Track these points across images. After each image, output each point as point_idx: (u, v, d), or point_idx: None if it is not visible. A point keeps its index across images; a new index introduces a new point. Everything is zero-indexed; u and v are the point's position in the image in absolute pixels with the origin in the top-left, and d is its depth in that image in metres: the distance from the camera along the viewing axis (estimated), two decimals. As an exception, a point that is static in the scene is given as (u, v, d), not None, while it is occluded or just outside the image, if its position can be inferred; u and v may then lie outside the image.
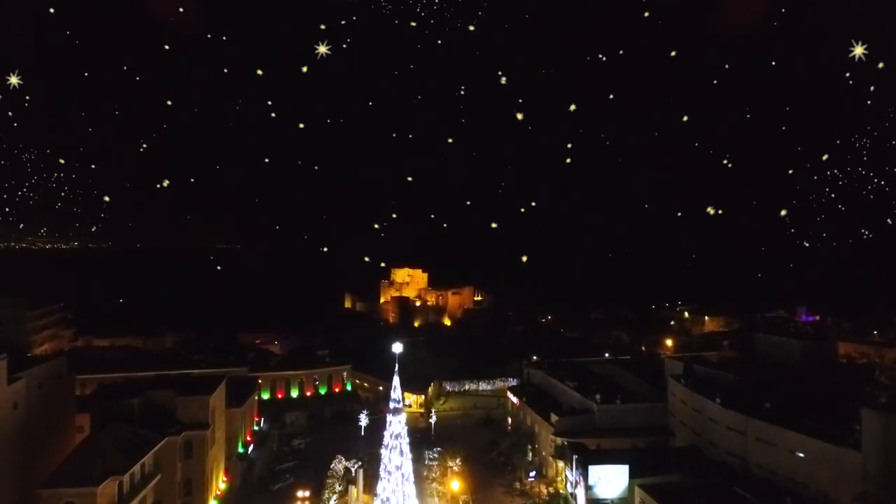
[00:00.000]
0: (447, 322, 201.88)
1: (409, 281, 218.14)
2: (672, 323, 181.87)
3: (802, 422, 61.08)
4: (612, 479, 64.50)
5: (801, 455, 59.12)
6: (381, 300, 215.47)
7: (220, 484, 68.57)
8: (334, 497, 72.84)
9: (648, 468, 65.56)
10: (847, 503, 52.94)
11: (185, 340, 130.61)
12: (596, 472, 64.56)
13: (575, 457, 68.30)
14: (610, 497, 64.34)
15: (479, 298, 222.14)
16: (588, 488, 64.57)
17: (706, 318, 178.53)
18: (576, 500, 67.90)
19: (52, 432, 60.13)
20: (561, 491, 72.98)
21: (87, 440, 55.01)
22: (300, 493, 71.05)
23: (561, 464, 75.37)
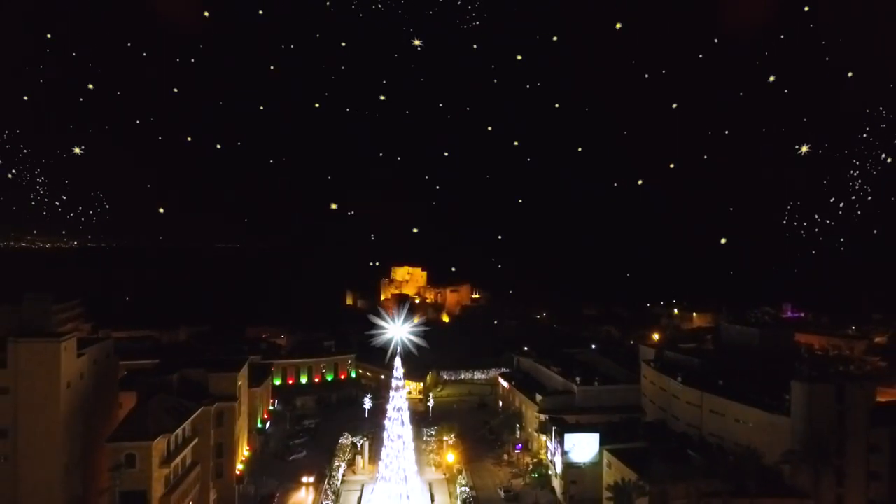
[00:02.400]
0: (445, 319, 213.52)
1: (409, 279, 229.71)
2: (662, 320, 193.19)
3: (748, 395, 72.87)
4: (584, 445, 76.34)
5: (744, 422, 70.94)
6: (382, 297, 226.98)
7: (244, 451, 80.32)
8: (343, 464, 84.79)
9: (619, 438, 77.31)
10: (777, 459, 64.59)
11: (198, 333, 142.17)
12: (571, 439, 76.39)
13: (554, 428, 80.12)
14: (583, 461, 76.16)
15: (477, 296, 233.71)
16: (564, 454, 76.40)
17: (694, 314, 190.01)
18: (555, 466, 79.71)
19: (102, 402, 71.52)
20: (543, 460, 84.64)
21: (139, 406, 66.57)
22: (305, 479, 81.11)
23: (544, 437, 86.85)
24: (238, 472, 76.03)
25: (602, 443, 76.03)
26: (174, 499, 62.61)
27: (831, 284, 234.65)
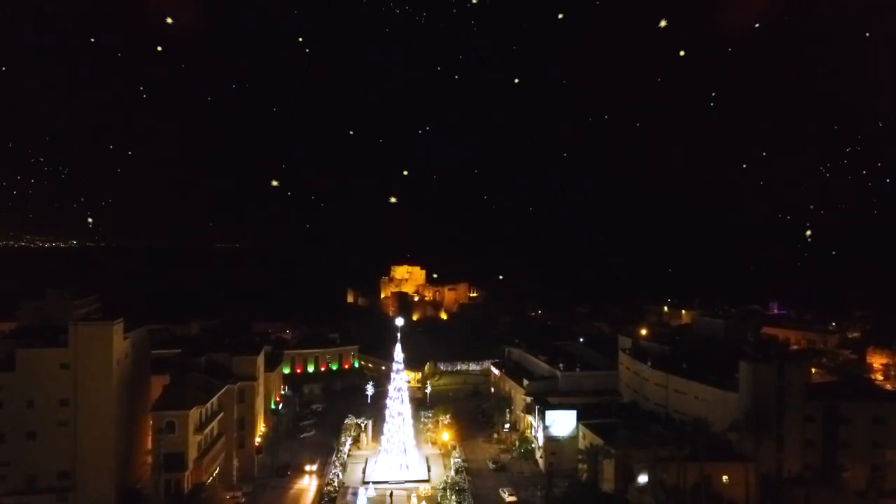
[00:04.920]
0: (443, 316, 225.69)
1: (408, 278, 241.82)
2: (651, 317, 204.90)
3: (706, 376, 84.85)
4: (563, 421, 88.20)
5: (701, 399, 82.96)
6: (382, 295, 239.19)
7: (261, 427, 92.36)
8: (349, 441, 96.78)
9: (595, 416, 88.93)
10: (724, 428, 76.50)
11: (209, 327, 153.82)
12: (551, 415, 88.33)
13: (537, 406, 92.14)
14: (562, 435, 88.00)
15: (475, 294, 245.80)
16: (546, 429, 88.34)
17: (683, 311, 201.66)
18: (538, 441, 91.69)
19: (139, 380, 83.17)
20: (528, 437, 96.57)
21: (174, 382, 78.61)
22: (308, 468, 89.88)
23: (529, 417, 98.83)
24: (257, 444, 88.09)
25: (579, 419, 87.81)
26: (205, 462, 74.92)
27: (819, 284, 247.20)
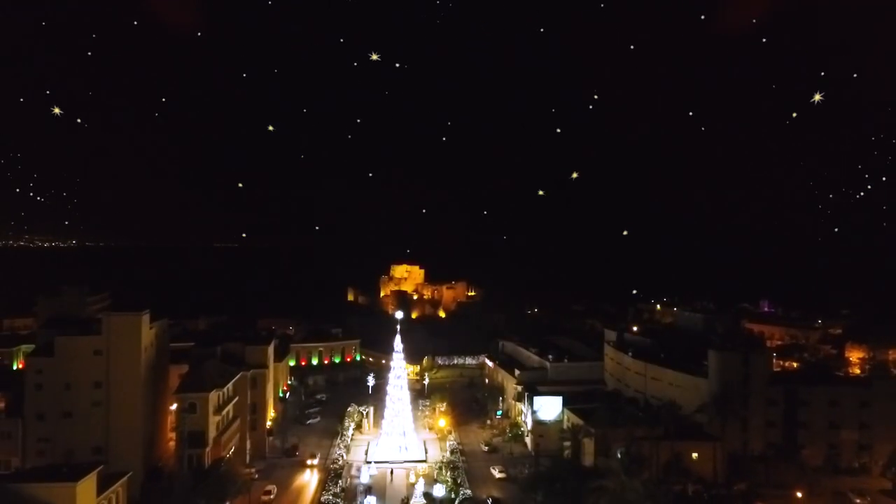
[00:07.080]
0: (442, 314, 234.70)
1: (408, 276, 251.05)
2: (644, 314, 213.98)
3: (680, 364, 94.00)
4: (550, 406, 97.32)
5: (675, 385, 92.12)
6: (382, 294, 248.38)
7: (271, 412, 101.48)
8: (352, 426, 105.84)
9: (580, 403, 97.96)
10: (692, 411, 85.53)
11: (216, 323, 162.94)
12: (539, 401, 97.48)
13: (527, 394, 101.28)
14: (549, 419, 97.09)
15: (472, 293, 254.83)
16: (534, 413, 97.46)
17: (675, 309, 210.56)
18: (527, 425, 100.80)
19: (160, 369, 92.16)
20: (518, 422, 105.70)
21: (194, 368, 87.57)
22: (314, 450, 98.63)
23: (520, 405, 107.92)
24: (268, 427, 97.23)
25: (565, 405, 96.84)
26: (223, 441, 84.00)
27: (812, 284, 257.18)
